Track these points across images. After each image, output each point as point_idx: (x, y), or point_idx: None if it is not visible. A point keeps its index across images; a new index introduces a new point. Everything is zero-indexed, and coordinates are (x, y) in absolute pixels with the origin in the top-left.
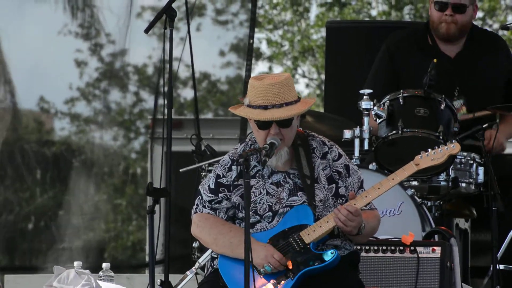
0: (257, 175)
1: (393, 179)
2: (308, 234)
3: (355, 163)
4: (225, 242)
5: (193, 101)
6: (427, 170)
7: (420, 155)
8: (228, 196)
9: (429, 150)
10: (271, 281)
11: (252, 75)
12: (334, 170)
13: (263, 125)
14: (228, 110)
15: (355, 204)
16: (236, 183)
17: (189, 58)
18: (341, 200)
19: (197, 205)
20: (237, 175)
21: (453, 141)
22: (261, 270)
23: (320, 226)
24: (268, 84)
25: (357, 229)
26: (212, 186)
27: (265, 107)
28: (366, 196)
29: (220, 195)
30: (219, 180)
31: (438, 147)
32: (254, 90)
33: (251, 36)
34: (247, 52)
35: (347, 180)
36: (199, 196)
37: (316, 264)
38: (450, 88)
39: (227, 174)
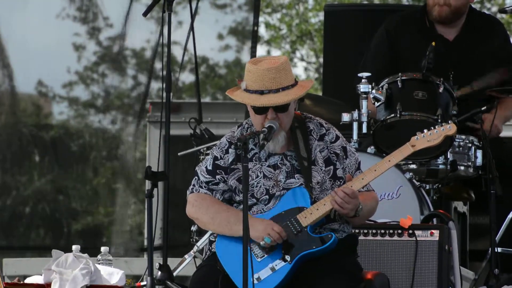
0: (254, 158)
1: (389, 160)
2: (305, 217)
3: (354, 146)
4: (222, 221)
5: (191, 85)
6: (425, 153)
7: (416, 136)
8: (225, 178)
9: (425, 131)
10: (269, 265)
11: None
12: (331, 152)
13: (260, 110)
14: (226, 93)
15: (351, 186)
16: (233, 166)
17: (188, 42)
18: (338, 182)
19: (194, 185)
20: (234, 158)
21: (449, 122)
22: (261, 243)
23: (317, 209)
24: (264, 69)
25: (354, 211)
26: (210, 168)
27: (261, 92)
28: (362, 178)
29: (217, 177)
30: (216, 162)
31: (434, 128)
32: (250, 74)
33: (255, 22)
34: (252, 38)
35: (344, 162)
36: (196, 177)
37: (313, 247)
38: (444, 71)
39: (224, 156)
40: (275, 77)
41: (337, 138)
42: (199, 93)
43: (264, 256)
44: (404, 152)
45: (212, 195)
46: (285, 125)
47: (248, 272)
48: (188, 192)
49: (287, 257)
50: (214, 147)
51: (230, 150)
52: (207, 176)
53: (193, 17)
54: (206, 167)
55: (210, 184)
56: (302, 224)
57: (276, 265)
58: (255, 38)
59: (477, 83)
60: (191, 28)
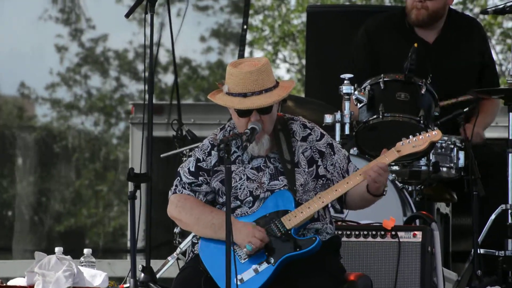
0: (236, 160)
1: None
2: (290, 220)
3: None
4: (207, 223)
5: (174, 86)
6: (407, 155)
7: (401, 142)
8: (208, 180)
9: (411, 137)
10: (252, 267)
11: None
12: (315, 150)
13: (244, 113)
14: (208, 97)
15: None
16: (216, 168)
17: (169, 43)
18: (321, 181)
19: (176, 186)
20: (217, 160)
21: (435, 128)
22: (244, 250)
23: (302, 212)
24: (247, 71)
25: (383, 187)
26: (192, 169)
27: (244, 95)
28: (347, 182)
29: (200, 178)
30: (199, 164)
31: (420, 134)
32: (232, 78)
33: (245, 22)
34: (240, 38)
35: (332, 158)
36: (178, 178)
37: (297, 250)
38: (423, 74)
39: (206, 158)
40: (257, 79)
41: (322, 135)
42: (178, 95)
43: (247, 258)
44: (389, 157)
45: (195, 196)
46: (268, 127)
47: (231, 274)
48: (170, 193)
49: (271, 259)
50: (196, 149)
51: (212, 152)
52: (190, 177)
53: (183, 18)
54: (188, 169)
55: (193, 185)
56: (286, 227)
57: (259, 267)
58: (244, 37)
59: (462, 97)
60: (170, 27)
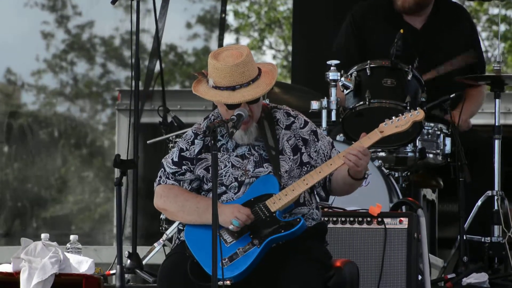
0: (221, 148)
1: None
2: (274, 203)
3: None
4: (191, 208)
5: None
6: (395, 140)
7: (384, 123)
8: (192, 168)
9: (393, 117)
10: (238, 249)
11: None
12: (298, 138)
13: (234, 105)
14: (194, 92)
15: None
16: (199, 156)
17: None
18: (306, 168)
19: (160, 177)
20: (201, 147)
21: (417, 108)
22: (230, 227)
23: (286, 195)
24: (233, 65)
25: (365, 169)
26: (176, 159)
27: (233, 88)
28: (331, 164)
29: (183, 167)
30: (182, 153)
31: (402, 114)
32: (218, 71)
33: (223, 10)
34: (220, 26)
35: (316, 145)
36: (162, 169)
37: (282, 231)
38: (412, 59)
39: (190, 147)
40: (244, 71)
41: (306, 123)
42: (163, 79)
43: (233, 241)
44: (372, 137)
45: (179, 185)
46: (256, 115)
47: (217, 256)
48: (155, 184)
49: (256, 241)
50: (180, 140)
51: (196, 141)
52: (173, 167)
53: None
54: (172, 159)
55: (176, 174)
56: (271, 209)
57: (244, 250)
58: (222, 25)
59: (443, 68)
60: (154, 13)
